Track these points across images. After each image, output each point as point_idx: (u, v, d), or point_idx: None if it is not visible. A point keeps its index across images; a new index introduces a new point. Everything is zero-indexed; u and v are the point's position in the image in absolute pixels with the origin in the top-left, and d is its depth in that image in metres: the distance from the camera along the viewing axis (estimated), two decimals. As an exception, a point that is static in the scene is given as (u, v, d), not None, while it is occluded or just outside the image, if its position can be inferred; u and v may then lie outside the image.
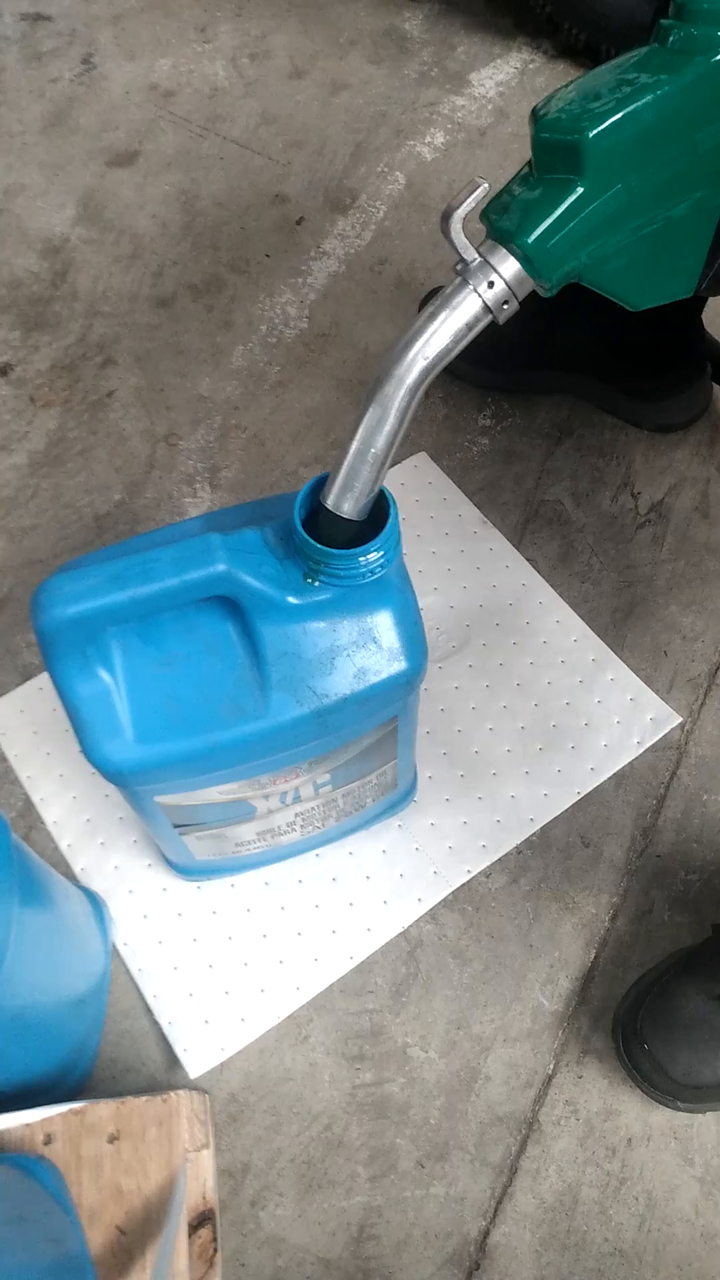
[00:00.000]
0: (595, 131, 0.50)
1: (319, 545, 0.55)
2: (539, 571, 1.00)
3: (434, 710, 0.92)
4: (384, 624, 0.60)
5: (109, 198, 1.29)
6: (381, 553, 0.57)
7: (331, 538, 0.56)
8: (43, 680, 0.94)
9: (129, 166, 1.33)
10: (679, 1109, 0.75)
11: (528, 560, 1.01)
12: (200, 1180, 0.69)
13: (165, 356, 1.16)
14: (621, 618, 0.98)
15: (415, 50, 1.46)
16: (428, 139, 1.36)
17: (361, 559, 0.56)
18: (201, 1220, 0.68)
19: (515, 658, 0.95)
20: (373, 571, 0.57)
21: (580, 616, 0.97)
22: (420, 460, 1.07)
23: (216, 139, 1.35)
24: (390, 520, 0.57)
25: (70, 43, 1.46)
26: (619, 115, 0.50)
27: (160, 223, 1.27)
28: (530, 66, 1.44)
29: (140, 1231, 0.63)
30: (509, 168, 1.34)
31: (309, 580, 0.57)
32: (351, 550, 0.56)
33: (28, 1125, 0.65)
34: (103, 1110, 0.67)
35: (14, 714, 0.92)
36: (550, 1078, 0.78)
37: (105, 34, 1.47)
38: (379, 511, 0.58)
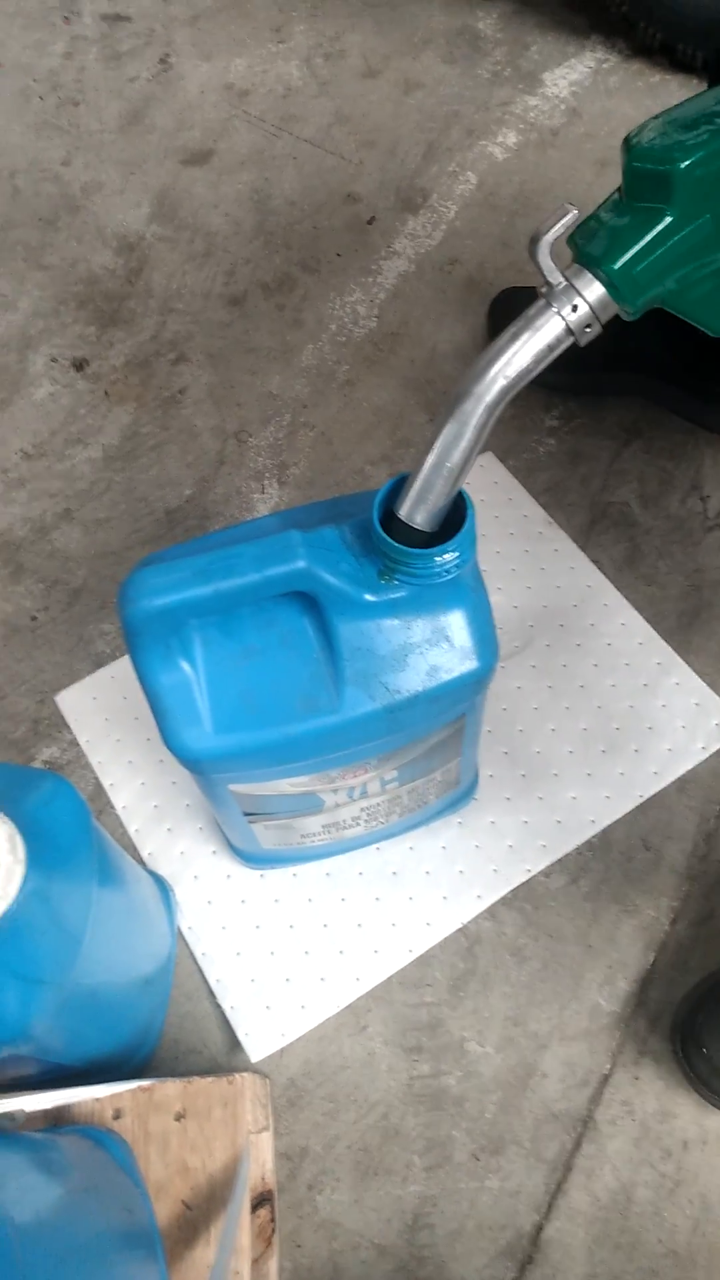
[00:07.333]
0: (687, 163, 0.50)
1: (397, 545, 0.56)
2: (604, 573, 1.00)
3: (496, 709, 0.93)
4: (456, 623, 0.61)
5: (183, 196, 1.32)
6: (457, 553, 0.57)
7: (406, 538, 0.57)
8: (114, 668, 0.96)
9: (203, 165, 1.35)
10: (737, 1114, 0.75)
11: (593, 562, 1.01)
12: (260, 1162, 0.71)
13: (236, 354, 1.18)
14: (688, 621, 0.98)
15: (488, 49, 1.46)
16: (500, 139, 1.36)
17: (437, 559, 0.57)
18: (260, 1200, 0.70)
19: (579, 659, 0.95)
20: (448, 571, 0.58)
21: (646, 619, 0.97)
22: (486, 460, 1.08)
23: (290, 138, 1.37)
24: (468, 521, 0.58)
25: (148, 43, 1.49)
26: (712, 148, 0.51)
27: (233, 221, 1.29)
28: (604, 66, 1.43)
29: (205, 1208, 0.65)
30: (581, 168, 1.34)
31: (385, 578, 0.59)
32: (428, 550, 0.57)
33: (98, 1100, 0.67)
34: (170, 1089, 0.69)
35: (86, 700, 0.95)
36: (607, 1077, 0.79)
37: (182, 34, 1.49)
38: (456, 512, 0.58)
